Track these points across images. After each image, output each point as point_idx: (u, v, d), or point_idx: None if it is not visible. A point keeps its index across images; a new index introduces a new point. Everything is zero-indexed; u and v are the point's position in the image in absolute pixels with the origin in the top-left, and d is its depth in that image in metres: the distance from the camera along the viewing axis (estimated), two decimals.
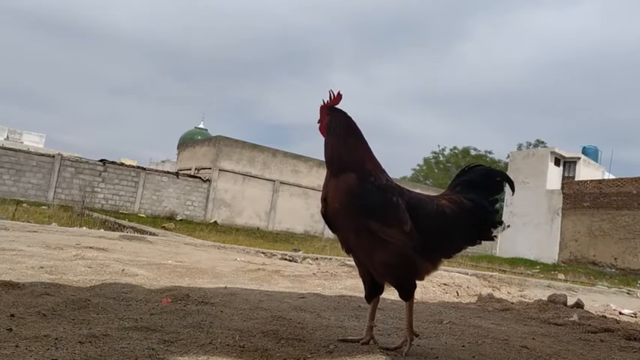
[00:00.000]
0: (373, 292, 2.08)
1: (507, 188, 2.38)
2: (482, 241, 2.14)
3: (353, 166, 1.98)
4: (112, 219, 12.92)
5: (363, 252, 1.99)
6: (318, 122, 2.11)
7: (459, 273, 5.85)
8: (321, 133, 2.10)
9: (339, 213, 1.96)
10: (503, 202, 29.19)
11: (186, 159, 25.60)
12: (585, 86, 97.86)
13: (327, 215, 2.03)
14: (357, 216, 1.91)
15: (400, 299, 2.06)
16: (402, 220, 1.91)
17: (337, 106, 2.10)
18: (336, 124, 2.06)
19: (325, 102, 2.09)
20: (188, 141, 30.25)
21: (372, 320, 2.11)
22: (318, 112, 2.11)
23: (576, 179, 26.25)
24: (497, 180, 2.19)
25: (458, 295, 4.67)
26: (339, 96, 2.09)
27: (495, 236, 2.47)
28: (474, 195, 2.10)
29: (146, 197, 20.66)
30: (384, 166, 2.08)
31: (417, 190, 2.21)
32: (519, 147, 40.78)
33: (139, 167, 21.75)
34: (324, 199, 2.03)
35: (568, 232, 24.86)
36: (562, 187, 25.75)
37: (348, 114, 2.11)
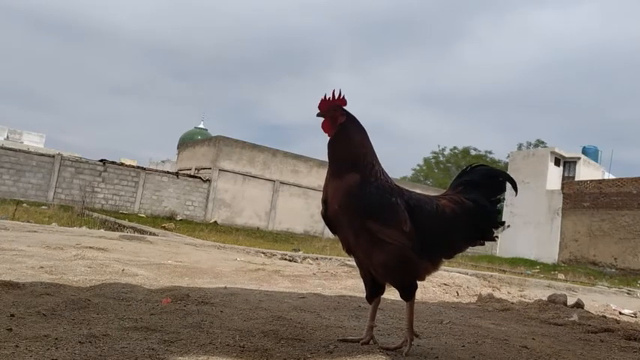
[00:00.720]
0: (374, 292, 2.08)
1: (508, 188, 2.38)
2: (484, 242, 2.14)
3: (353, 167, 1.97)
4: (112, 219, 12.92)
5: (363, 252, 1.99)
6: (319, 115, 2.05)
7: (459, 273, 5.84)
8: (326, 131, 2.05)
9: (339, 214, 1.95)
10: (503, 202, 29.21)
11: (186, 159, 25.60)
12: (585, 86, 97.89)
13: (327, 216, 2.03)
14: (356, 216, 1.91)
15: (400, 299, 2.06)
16: (401, 220, 1.91)
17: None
18: (343, 126, 2.03)
19: (328, 98, 2.03)
20: (188, 141, 30.25)
21: (372, 320, 2.11)
22: (321, 107, 2.04)
23: (576, 179, 26.25)
24: (499, 180, 2.18)
25: (458, 295, 4.67)
26: (344, 99, 2.04)
27: (497, 236, 2.50)
28: (476, 195, 2.09)
29: (146, 197, 20.65)
30: (384, 167, 2.08)
31: (417, 190, 2.21)
32: (519, 147, 40.76)
33: (139, 167, 21.75)
34: (324, 201, 2.03)
35: (568, 232, 24.86)
36: (562, 187, 25.75)
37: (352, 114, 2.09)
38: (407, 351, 1.99)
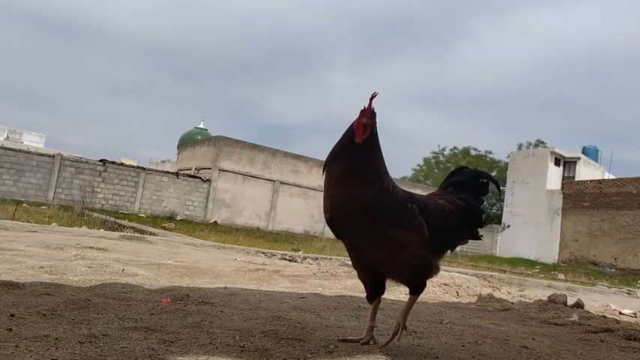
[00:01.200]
0: (374, 292, 2.10)
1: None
2: (470, 241, 2.25)
3: (370, 175, 1.92)
4: (112, 219, 12.92)
5: (380, 256, 1.99)
6: (365, 121, 1.91)
7: (459, 273, 5.84)
8: (363, 136, 1.92)
9: (357, 221, 1.90)
10: (503, 202, 29.19)
11: (186, 159, 25.60)
12: (585, 86, 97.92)
13: (333, 221, 1.96)
14: (375, 223, 1.89)
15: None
16: (420, 225, 1.97)
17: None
18: (373, 133, 1.95)
19: (368, 106, 1.93)
20: (188, 141, 30.25)
21: (372, 320, 2.12)
22: (367, 113, 1.92)
23: (576, 179, 26.27)
24: (484, 181, 2.32)
25: (458, 295, 4.67)
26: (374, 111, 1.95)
27: (482, 235, 2.64)
28: (466, 195, 2.21)
29: (146, 197, 20.65)
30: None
31: (417, 191, 2.26)
32: (519, 147, 40.67)
33: (139, 167, 21.74)
34: (329, 206, 1.94)
35: (568, 232, 24.87)
36: (562, 187, 25.76)
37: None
38: (399, 336, 2.05)
